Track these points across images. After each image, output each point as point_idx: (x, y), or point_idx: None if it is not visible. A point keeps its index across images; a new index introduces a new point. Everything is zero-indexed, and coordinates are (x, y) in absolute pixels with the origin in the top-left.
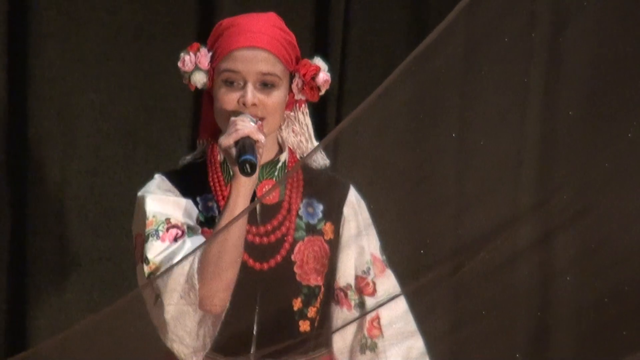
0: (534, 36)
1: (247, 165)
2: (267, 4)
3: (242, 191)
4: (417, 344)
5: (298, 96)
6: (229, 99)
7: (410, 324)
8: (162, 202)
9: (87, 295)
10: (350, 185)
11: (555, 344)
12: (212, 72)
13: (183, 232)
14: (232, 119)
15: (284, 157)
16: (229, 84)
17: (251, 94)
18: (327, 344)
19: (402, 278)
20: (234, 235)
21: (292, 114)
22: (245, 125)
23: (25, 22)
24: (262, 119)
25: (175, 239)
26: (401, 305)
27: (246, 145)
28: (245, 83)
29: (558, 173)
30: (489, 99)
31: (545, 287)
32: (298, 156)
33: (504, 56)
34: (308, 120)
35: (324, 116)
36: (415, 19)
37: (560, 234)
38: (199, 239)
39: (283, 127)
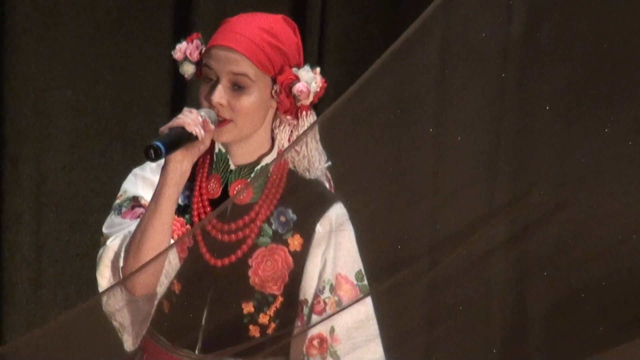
0: (510, 32)
1: (151, 150)
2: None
3: (169, 180)
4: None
5: (283, 101)
6: (205, 95)
7: (372, 335)
8: (139, 180)
9: (63, 291)
10: (336, 203)
11: (531, 339)
12: (200, 64)
13: None
14: (185, 108)
15: (266, 160)
16: (207, 80)
17: (218, 93)
18: (282, 354)
19: (379, 274)
20: (155, 222)
21: (292, 120)
22: (187, 116)
23: (0, 18)
24: (229, 120)
25: (138, 217)
26: (360, 317)
27: (171, 134)
28: (217, 81)
29: (534, 169)
30: (465, 95)
31: (522, 283)
32: (290, 166)
33: (480, 52)
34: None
35: None
36: (392, 15)
37: (536, 230)
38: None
39: (279, 133)
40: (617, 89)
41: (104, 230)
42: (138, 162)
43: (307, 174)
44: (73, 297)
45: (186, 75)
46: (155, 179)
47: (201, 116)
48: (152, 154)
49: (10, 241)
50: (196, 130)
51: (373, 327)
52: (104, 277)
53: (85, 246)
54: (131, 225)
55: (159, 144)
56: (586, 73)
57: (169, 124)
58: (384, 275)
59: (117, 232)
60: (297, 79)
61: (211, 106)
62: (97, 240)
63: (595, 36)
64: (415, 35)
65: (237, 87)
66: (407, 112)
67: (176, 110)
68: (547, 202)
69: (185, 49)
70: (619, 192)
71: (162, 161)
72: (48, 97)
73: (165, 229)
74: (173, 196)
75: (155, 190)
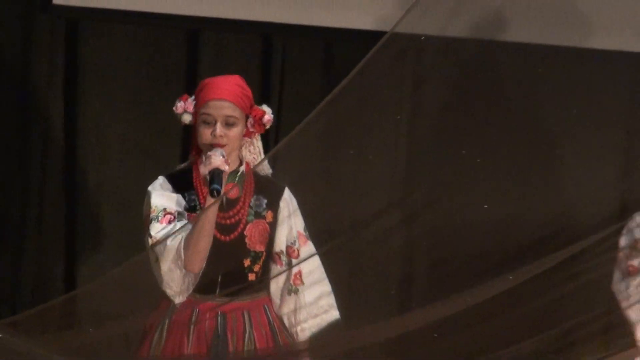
0: (403, 88)
1: (215, 192)
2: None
3: (212, 204)
4: (326, 288)
5: (251, 129)
6: (205, 132)
7: (322, 275)
8: (162, 196)
9: (114, 256)
10: (285, 187)
11: (416, 285)
12: (196, 114)
13: (174, 217)
14: (208, 153)
15: (242, 168)
16: (206, 122)
17: (219, 129)
18: (267, 289)
19: (318, 243)
20: (204, 226)
21: (249, 140)
22: (216, 159)
23: (75, 81)
24: (225, 145)
25: (170, 222)
26: (317, 263)
27: (215, 175)
28: (215, 122)
29: (419, 176)
30: (374, 129)
31: (410, 249)
32: (251, 167)
33: (384, 101)
34: (259, 144)
35: (267, 139)
36: (327, 79)
37: (419, 215)
38: (185, 222)
39: (243, 149)
40: (470, 125)
41: (153, 233)
42: (162, 173)
43: (261, 172)
44: (121, 259)
45: (186, 122)
46: (166, 192)
47: (223, 155)
48: (215, 194)
49: (81, 223)
50: (224, 167)
51: (322, 270)
52: (166, 263)
53: (127, 226)
54: (171, 228)
55: (217, 187)
56: (452, 115)
57: (207, 167)
58: (322, 244)
59: (164, 233)
60: (265, 113)
61: (214, 138)
62: (136, 224)
63: (458, 90)
64: (342, 91)
65: (229, 124)
66: (336, 139)
67: (187, 140)
68: (427, 198)
69: (184, 105)
70: (472, 191)
71: (161, 180)
72: (105, 131)
73: (212, 232)
74: (216, 211)
75: (205, 209)
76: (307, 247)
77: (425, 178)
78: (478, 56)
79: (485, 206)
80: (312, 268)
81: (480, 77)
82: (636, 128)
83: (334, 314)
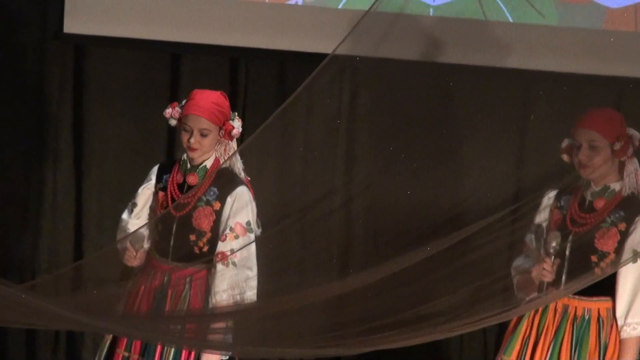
0: (342, 98)
1: None
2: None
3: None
4: (243, 275)
5: (222, 138)
6: (184, 137)
7: (248, 263)
8: (141, 189)
9: (112, 233)
10: (240, 186)
11: (353, 255)
12: (180, 120)
13: (133, 206)
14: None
15: (206, 163)
16: (185, 130)
17: (193, 139)
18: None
19: (276, 222)
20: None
21: (226, 141)
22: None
23: (81, 92)
24: (199, 149)
25: (130, 207)
26: (250, 251)
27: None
28: (192, 131)
29: (356, 167)
30: (318, 131)
31: (349, 224)
32: (225, 165)
33: (326, 110)
34: (235, 145)
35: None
36: (281, 92)
37: (356, 199)
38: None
39: (221, 148)
40: (396, 127)
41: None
42: (150, 168)
43: (232, 168)
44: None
45: (172, 125)
46: (144, 183)
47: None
48: None
49: (88, 206)
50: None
51: (254, 253)
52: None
53: (123, 209)
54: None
55: None
56: (381, 119)
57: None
58: (275, 223)
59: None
60: (233, 127)
61: (190, 143)
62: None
63: (385, 100)
64: (293, 101)
65: (202, 135)
66: (286, 140)
67: (170, 139)
68: (362, 184)
69: (171, 112)
70: (397, 180)
71: (153, 169)
72: (105, 133)
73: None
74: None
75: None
76: (245, 238)
77: (360, 170)
78: (401, 72)
79: (408, 192)
80: (244, 255)
81: (403, 88)
82: (527, 130)
83: (246, 296)
